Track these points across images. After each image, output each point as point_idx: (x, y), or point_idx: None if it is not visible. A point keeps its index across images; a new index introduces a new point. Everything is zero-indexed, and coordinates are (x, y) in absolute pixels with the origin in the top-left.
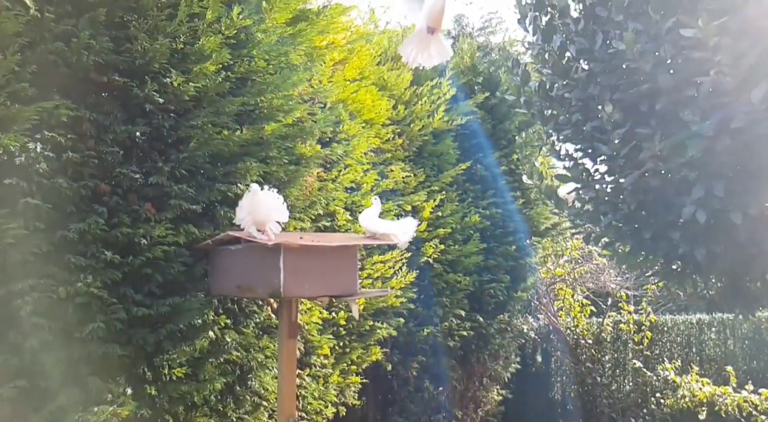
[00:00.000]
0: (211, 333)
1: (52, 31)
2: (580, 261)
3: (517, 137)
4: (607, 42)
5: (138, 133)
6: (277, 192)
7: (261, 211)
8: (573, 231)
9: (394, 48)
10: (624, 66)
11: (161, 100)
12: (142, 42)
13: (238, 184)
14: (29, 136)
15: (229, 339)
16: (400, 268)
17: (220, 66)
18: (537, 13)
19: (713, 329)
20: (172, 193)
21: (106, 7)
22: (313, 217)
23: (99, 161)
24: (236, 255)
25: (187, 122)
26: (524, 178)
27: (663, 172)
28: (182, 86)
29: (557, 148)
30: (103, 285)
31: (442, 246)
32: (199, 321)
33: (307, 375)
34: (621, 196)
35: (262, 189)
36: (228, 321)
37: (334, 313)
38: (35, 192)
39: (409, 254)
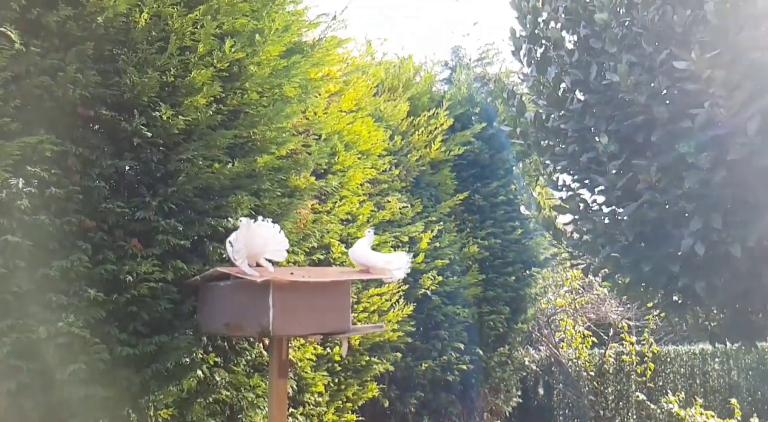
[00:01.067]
0: (199, 372)
1: (38, 65)
2: (580, 291)
3: (514, 167)
4: (602, 73)
5: (126, 167)
6: None
7: (257, 243)
8: (572, 262)
9: (390, 79)
10: (619, 97)
11: (149, 134)
12: (131, 75)
13: (229, 218)
14: (11, 171)
15: (218, 378)
16: (397, 301)
17: (212, 99)
18: (531, 46)
19: (717, 360)
20: (160, 228)
21: (95, 41)
22: (308, 250)
23: (84, 196)
24: (225, 292)
25: (176, 156)
26: (522, 208)
27: (660, 203)
28: (171, 119)
29: (554, 178)
30: (85, 325)
31: (441, 278)
32: (187, 359)
33: (300, 415)
34: (619, 228)
35: (255, 221)
36: (217, 359)
37: (328, 349)
38: (16, 229)
39: (407, 286)
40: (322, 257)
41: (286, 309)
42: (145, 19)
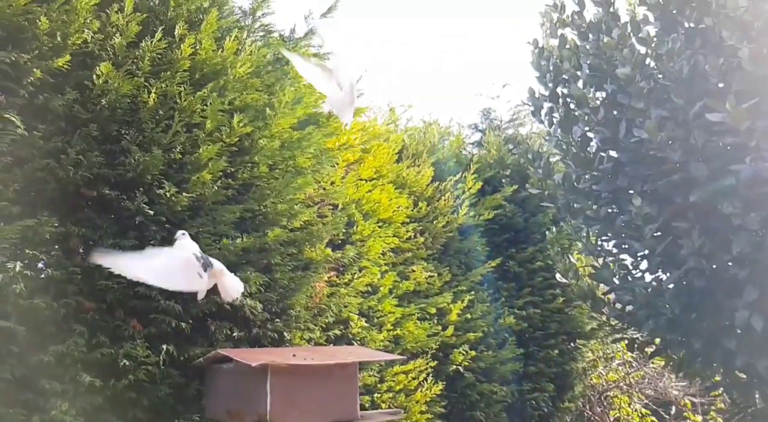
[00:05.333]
0: None
1: (41, 149)
2: (634, 365)
3: (547, 232)
4: (632, 130)
5: (127, 247)
6: (281, 300)
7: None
8: (615, 336)
9: (414, 145)
10: (651, 155)
11: (152, 212)
12: (134, 154)
13: None
14: (10, 255)
15: None
16: (426, 379)
17: (220, 173)
18: (553, 104)
19: None
20: (160, 308)
21: (99, 123)
22: (324, 326)
23: (84, 277)
24: (227, 376)
25: None
26: (558, 276)
27: (707, 270)
28: (175, 197)
29: (591, 242)
30: (81, 412)
31: (474, 353)
32: None
33: None
34: (663, 299)
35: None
36: None
37: None
38: (11, 313)
39: (435, 362)
40: (339, 333)
41: (286, 396)
42: (153, 99)
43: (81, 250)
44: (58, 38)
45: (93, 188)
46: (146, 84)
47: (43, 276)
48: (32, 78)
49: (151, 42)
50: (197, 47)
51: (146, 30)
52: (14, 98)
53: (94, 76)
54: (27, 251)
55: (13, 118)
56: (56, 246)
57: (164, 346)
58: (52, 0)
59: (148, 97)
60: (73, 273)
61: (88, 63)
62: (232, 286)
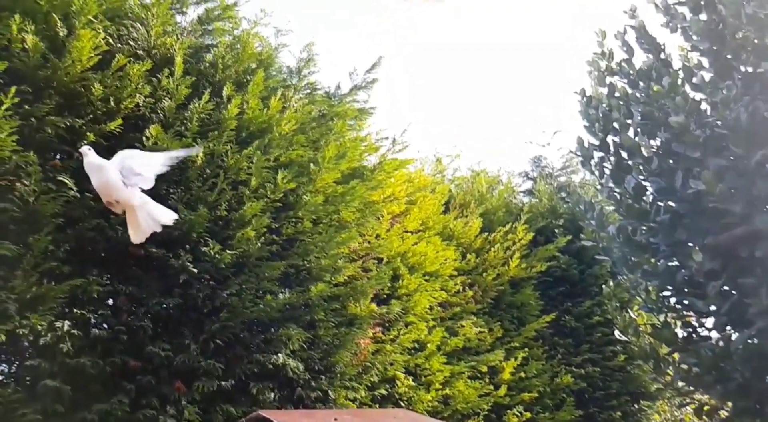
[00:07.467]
0: None
1: (92, 209)
2: None
3: (604, 286)
4: (688, 181)
5: (171, 305)
6: (325, 357)
7: None
8: (683, 399)
9: (462, 195)
10: (710, 206)
11: (196, 270)
12: (181, 213)
13: (279, 354)
14: (57, 314)
15: None
16: None
17: (265, 229)
18: (603, 154)
19: None
20: (203, 369)
21: None
22: (369, 384)
23: (130, 336)
24: None
25: (225, 290)
26: (616, 333)
27: None
28: (219, 254)
29: (652, 297)
30: None
31: (529, 414)
32: None
33: None
34: (731, 362)
35: None
36: None
37: None
38: (57, 373)
39: None
40: (385, 392)
41: None
42: (201, 158)
43: (129, 308)
44: (112, 103)
45: (140, 246)
46: (194, 144)
47: (91, 335)
48: (86, 141)
49: (199, 104)
50: (244, 107)
51: (195, 92)
52: (69, 161)
53: (144, 138)
54: (75, 310)
55: (67, 181)
56: (104, 304)
57: (220, 406)
58: (106, 67)
59: (196, 156)
60: (119, 332)
61: (140, 125)
62: (159, 213)
